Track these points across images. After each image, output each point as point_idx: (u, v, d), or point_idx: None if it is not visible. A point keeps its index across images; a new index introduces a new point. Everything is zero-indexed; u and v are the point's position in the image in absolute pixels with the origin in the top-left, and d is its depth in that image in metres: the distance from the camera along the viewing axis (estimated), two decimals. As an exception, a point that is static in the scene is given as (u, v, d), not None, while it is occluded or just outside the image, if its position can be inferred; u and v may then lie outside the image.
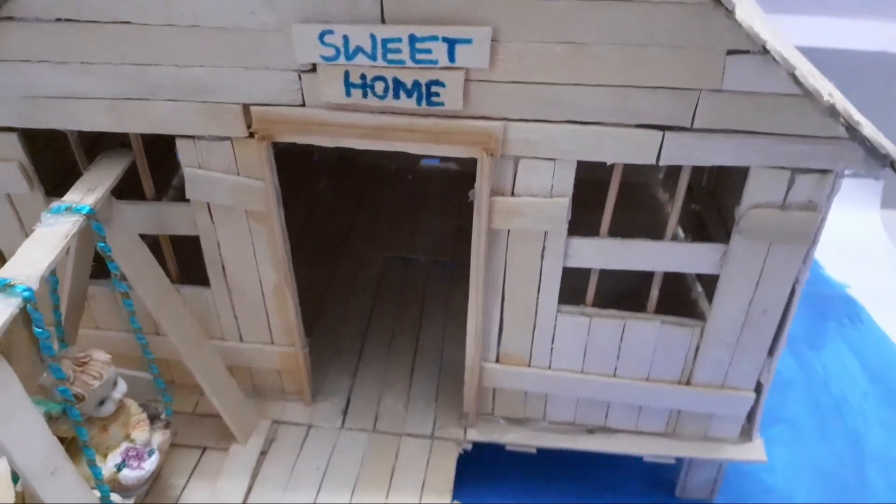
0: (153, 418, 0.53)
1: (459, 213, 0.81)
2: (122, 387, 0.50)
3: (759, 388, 0.60)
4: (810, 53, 1.11)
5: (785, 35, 0.54)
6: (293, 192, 0.60)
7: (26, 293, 0.39)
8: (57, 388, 0.43)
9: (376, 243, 0.87)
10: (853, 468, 0.80)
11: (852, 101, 1.09)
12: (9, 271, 0.41)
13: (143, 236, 0.55)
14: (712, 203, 0.62)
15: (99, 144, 0.56)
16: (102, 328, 0.60)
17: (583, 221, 0.54)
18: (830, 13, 1.08)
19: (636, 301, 0.59)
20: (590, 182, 0.52)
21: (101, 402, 0.49)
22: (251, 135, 0.50)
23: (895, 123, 1.09)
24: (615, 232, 0.54)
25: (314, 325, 0.72)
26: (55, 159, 0.57)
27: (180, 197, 0.55)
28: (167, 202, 0.56)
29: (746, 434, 0.64)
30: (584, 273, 0.56)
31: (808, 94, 0.45)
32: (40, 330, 0.40)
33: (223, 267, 0.58)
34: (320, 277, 0.79)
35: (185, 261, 0.60)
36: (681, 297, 0.63)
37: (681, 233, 0.64)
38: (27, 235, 0.53)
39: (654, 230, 0.54)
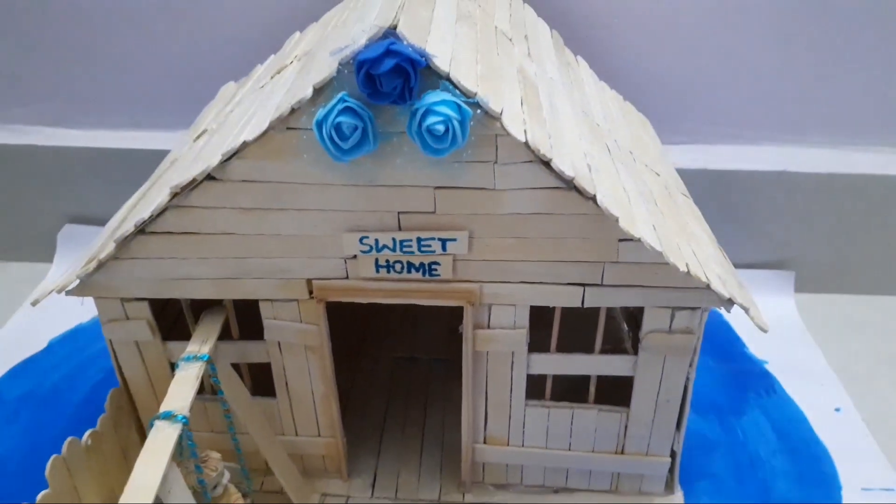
0: (244, 495, 0.75)
1: (450, 319, 1.04)
2: (227, 475, 0.72)
3: (673, 454, 0.83)
4: (725, 175, 1.38)
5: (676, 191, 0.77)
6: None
7: (184, 420, 0.62)
8: (197, 479, 0.65)
9: (386, 346, 1.10)
10: None
11: (760, 211, 1.41)
12: (169, 405, 0.63)
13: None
14: (634, 325, 0.86)
15: (198, 304, 0.79)
16: (215, 431, 0.81)
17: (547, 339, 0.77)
18: (739, 142, 1.34)
19: (584, 392, 0.82)
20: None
21: (215, 487, 0.71)
22: (311, 297, 0.74)
23: (797, 227, 1.35)
24: (572, 347, 0.77)
25: (344, 419, 0.94)
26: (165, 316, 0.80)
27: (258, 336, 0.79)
28: (248, 341, 0.79)
29: (670, 488, 0.86)
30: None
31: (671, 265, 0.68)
32: (192, 444, 0.62)
33: (286, 383, 0.80)
34: (346, 378, 1.01)
35: (258, 379, 0.83)
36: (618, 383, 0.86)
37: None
38: (146, 368, 0.77)
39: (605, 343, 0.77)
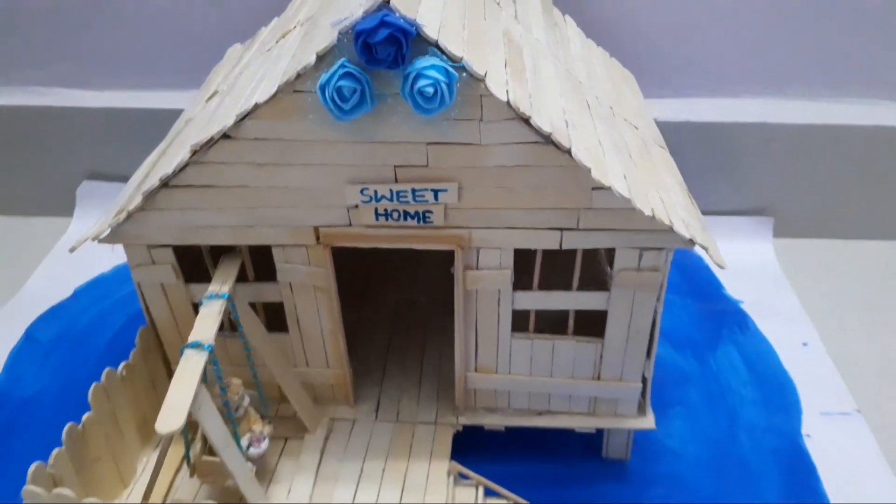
0: (262, 418, 0.85)
1: (446, 266, 1.13)
2: (247, 399, 0.81)
3: (644, 380, 0.92)
4: (707, 127, 1.46)
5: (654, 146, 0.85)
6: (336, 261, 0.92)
7: (210, 348, 0.71)
8: (223, 401, 0.74)
9: (388, 289, 1.19)
10: (728, 432, 1.06)
11: (741, 161, 1.49)
12: (196, 336, 0.72)
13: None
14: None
15: (216, 249, 0.88)
16: (234, 364, 0.90)
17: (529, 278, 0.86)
18: (721, 96, 1.41)
19: (564, 325, 0.91)
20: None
21: (237, 409, 0.80)
22: (318, 243, 0.82)
23: (776, 176, 1.43)
24: (556, 286, 0.86)
25: (351, 353, 1.03)
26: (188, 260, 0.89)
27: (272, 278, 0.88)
28: (263, 282, 0.88)
29: (642, 411, 0.96)
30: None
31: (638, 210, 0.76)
32: (217, 369, 0.72)
33: (297, 320, 0.89)
34: (352, 317, 1.10)
35: (271, 317, 0.92)
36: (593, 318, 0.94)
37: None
38: (171, 308, 0.86)
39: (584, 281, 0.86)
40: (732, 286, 1.34)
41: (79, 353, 1.20)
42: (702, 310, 1.28)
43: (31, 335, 1.23)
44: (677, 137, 1.34)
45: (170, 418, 0.64)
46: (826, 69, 1.37)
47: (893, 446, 1.05)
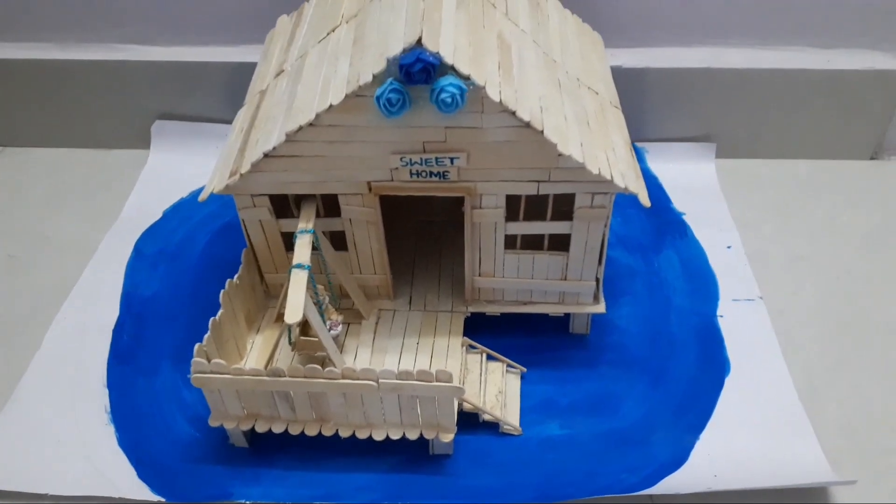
0: (336, 309, 1.24)
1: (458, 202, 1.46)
2: (327, 297, 1.20)
3: (597, 280, 1.30)
4: (662, 71, 1.78)
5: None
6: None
7: (308, 267, 1.08)
8: (315, 299, 1.13)
9: (413, 214, 1.55)
10: (662, 314, 1.35)
11: (690, 99, 1.89)
12: (298, 259, 1.09)
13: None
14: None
15: (298, 196, 1.23)
16: (317, 273, 1.25)
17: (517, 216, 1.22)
18: (674, 45, 1.71)
19: (541, 243, 1.28)
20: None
21: (322, 304, 1.19)
22: (370, 192, 1.18)
23: (719, 109, 1.75)
24: (532, 217, 1.22)
25: (389, 262, 1.41)
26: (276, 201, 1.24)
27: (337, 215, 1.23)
28: (331, 217, 1.24)
29: (597, 299, 1.33)
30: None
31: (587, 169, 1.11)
32: (313, 280, 1.10)
33: (354, 243, 1.25)
34: (389, 236, 1.47)
35: (336, 240, 1.29)
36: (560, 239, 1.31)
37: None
38: (265, 236, 1.23)
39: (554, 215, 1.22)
40: (678, 201, 1.62)
41: (178, 264, 1.55)
42: (653, 221, 1.62)
43: (139, 249, 1.58)
44: (638, 80, 1.70)
45: (294, 313, 1.02)
46: (759, 22, 1.65)
47: (782, 324, 1.35)
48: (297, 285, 1.05)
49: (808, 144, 1.74)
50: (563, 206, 1.14)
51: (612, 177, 1.11)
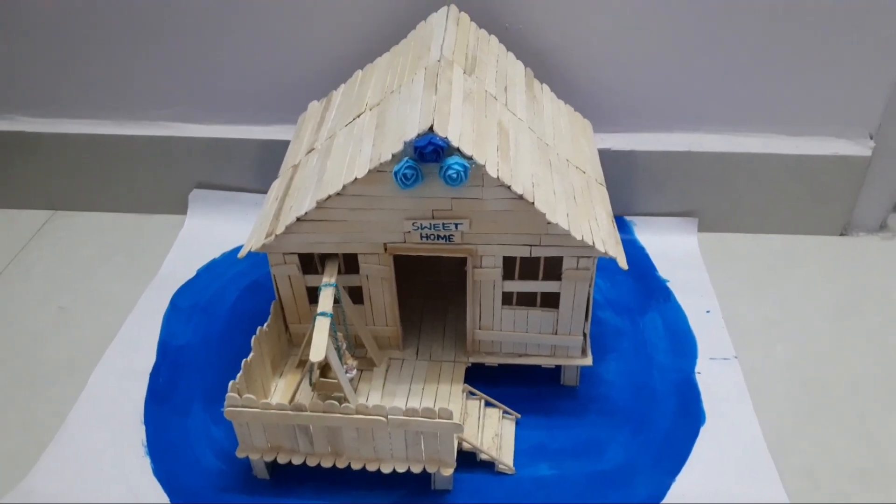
0: (352, 356, 1.40)
1: (462, 262, 1.60)
2: (345, 344, 1.36)
3: (584, 334, 1.45)
4: (646, 154, 1.99)
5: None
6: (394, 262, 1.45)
7: (330, 315, 1.25)
8: (335, 345, 1.29)
9: (423, 274, 1.72)
10: (645, 370, 1.42)
11: (672, 178, 2.10)
12: (322, 308, 1.26)
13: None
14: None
15: (322, 255, 1.41)
16: (337, 322, 1.42)
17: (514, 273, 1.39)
18: (657, 131, 1.90)
19: (534, 300, 1.44)
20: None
21: (340, 350, 1.35)
22: (385, 252, 1.36)
23: (700, 188, 1.93)
24: (526, 277, 1.39)
25: (400, 315, 1.58)
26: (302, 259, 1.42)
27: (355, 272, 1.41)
28: (350, 274, 1.41)
29: (585, 353, 1.49)
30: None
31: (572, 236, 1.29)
32: (334, 328, 1.26)
33: (370, 297, 1.42)
34: (401, 292, 1.64)
35: (354, 295, 1.46)
36: (551, 297, 1.47)
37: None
38: (292, 290, 1.41)
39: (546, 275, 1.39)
40: (663, 269, 1.72)
41: (209, 317, 1.70)
42: (639, 286, 1.72)
43: (174, 303, 1.74)
44: (626, 161, 1.89)
45: (317, 352, 1.18)
46: (735, 112, 1.83)
47: (754, 381, 1.42)
48: (321, 329, 1.22)
49: (782, 221, 1.85)
50: (553, 268, 1.26)
51: (594, 243, 1.29)
